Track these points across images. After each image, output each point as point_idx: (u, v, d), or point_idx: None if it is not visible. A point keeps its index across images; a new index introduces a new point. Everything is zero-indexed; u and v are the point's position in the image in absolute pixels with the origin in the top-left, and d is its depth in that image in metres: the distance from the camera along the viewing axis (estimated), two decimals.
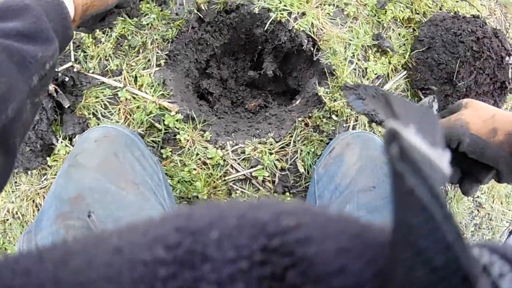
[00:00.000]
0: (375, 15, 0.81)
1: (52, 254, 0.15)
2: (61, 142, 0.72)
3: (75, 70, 0.71)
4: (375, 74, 0.78)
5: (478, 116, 0.40)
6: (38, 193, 0.74)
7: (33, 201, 0.75)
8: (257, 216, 0.14)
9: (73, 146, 0.71)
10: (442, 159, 0.13)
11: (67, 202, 0.45)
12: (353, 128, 0.73)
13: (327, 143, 0.70)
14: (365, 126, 0.74)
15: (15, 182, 0.77)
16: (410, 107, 0.16)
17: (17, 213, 0.77)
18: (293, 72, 0.79)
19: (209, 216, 0.15)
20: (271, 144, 0.68)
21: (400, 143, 0.12)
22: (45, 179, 0.74)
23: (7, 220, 0.78)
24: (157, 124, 0.66)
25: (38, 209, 0.75)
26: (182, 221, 0.15)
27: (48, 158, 0.73)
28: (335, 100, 0.72)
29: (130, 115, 0.69)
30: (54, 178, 0.74)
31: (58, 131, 0.72)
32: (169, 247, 0.14)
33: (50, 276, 0.13)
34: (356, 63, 0.77)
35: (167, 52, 0.70)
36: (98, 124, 0.68)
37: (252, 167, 0.67)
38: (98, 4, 0.53)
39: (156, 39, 0.70)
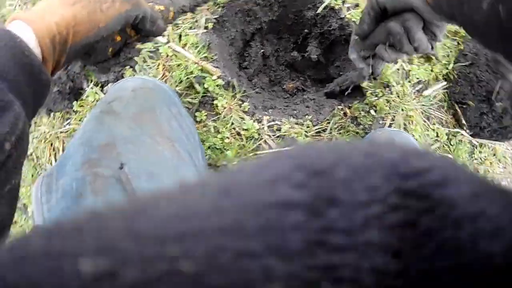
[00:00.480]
0: None
1: (122, 207, 0.12)
2: (92, 88, 0.69)
3: None
4: (417, 78, 0.77)
5: None
6: (58, 137, 0.72)
7: (51, 144, 0.72)
8: (386, 155, 0.12)
9: (104, 94, 0.69)
10: None
11: (97, 149, 0.41)
12: (389, 126, 0.72)
13: (362, 136, 0.69)
14: (400, 126, 0.73)
15: (35, 123, 0.74)
16: None
17: (31, 154, 0.74)
18: (336, 61, 0.78)
19: (332, 153, 0.13)
20: (307, 127, 0.66)
21: None
22: (67, 124, 0.72)
23: None
24: (196, 86, 0.65)
25: (56, 154, 0.72)
26: (302, 158, 0.13)
27: (75, 103, 0.70)
28: (376, 96, 0.71)
29: (169, 72, 0.67)
30: (78, 124, 0.71)
31: (90, 76, 0.70)
32: (296, 185, 0.11)
33: (124, 228, 0.11)
34: (401, 64, 0.76)
35: (217, 17, 0.69)
36: (134, 76, 0.66)
37: (286, 146, 0.65)
38: (84, 29, 0.37)
39: (208, 1, 0.69)
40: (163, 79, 0.66)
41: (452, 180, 0.12)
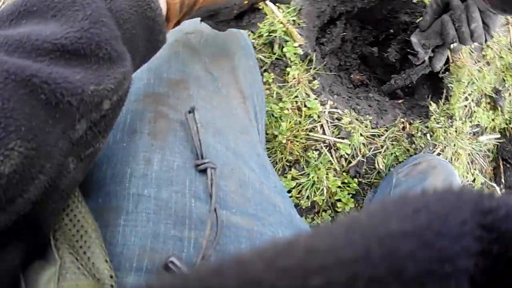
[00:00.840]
0: (504, 71, 0.79)
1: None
2: None
3: None
4: (478, 121, 0.76)
5: None
6: None
7: None
8: (470, 195, 0.15)
9: None
10: None
11: (165, 83, 0.36)
12: (438, 155, 0.71)
13: (411, 155, 0.68)
14: (446, 159, 0.72)
15: None
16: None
17: None
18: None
19: (430, 195, 0.15)
20: (366, 127, 0.64)
21: None
22: None
23: None
24: (275, 46, 0.61)
25: None
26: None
27: None
28: (438, 123, 0.69)
29: None
30: None
31: None
32: (406, 218, 0.14)
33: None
34: (470, 103, 0.74)
35: None
36: None
37: (340, 137, 0.63)
38: None
39: None
40: None
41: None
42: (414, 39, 0.58)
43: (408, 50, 0.73)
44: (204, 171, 0.32)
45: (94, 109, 0.22)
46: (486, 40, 0.51)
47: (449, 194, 0.15)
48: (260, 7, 0.40)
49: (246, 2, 0.39)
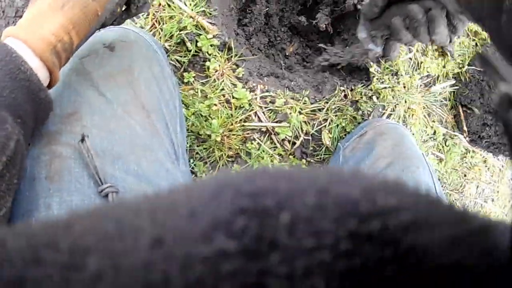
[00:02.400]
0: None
1: (55, 254, 0.11)
2: None
3: None
4: (428, 71, 0.72)
5: None
6: None
7: None
8: (344, 192, 0.11)
9: None
10: None
11: (58, 119, 0.36)
12: (388, 117, 0.68)
13: (359, 123, 0.65)
14: (399, 118, 0.69)
15: None
16: (505, 64, 0.13)
17: None
18: (343, 33, 0.72)
19: (280, 190, 0.12)
20: (304, 103, 0.61)
21: None
22: None
23: None
24: (188, 43, 0.58)
25: None
26: (246, 198, 0.11)
27: None
28: (382, 82, 0.66)
29: (159, 24, 0.59)
30: None
31: None
32: (234, 234, 0.11)
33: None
34: (414, 54, 0.71)
35: None
36: None
37: (277, 121, 0.60)
38: (85, 26, 0.33)
39: None
40: (151, 31, 0.59)
41: (424, 222, 0.10)
42: (363, 34, 0.49)
43: (337, 9, 0.69)
44: (106, 196, 0.33)
45: None
46: (450, 41, 0.45)
47: (310, 194, 0.12)
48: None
49: (119, 9, 0.38)
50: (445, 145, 0.77)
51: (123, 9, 0.39)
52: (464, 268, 0.10)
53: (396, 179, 0.13)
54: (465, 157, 0.79)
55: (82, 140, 0.34)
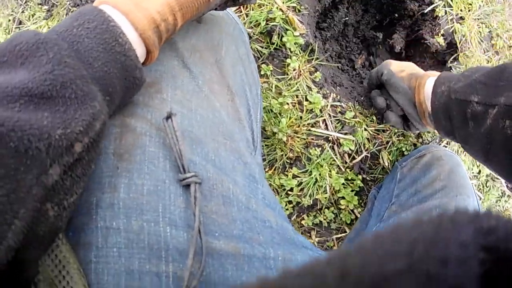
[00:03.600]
0: None
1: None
2: None
3: None
4: None
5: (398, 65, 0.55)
6: None
7: None
8: (467, 217, 0.14)
9: None
10: None
11: None
12: (445, 146, 0.68)
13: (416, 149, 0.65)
14: (453, 151, 0.70)
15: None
16: None
17: None
18: (413, 58, 0.71)
19: (430, 221, 0.15)
20: (371, 121, 0.61)
21: None
22: None
23: None
24: (275, 36, 0.56)
25: None
26: (415, 233, 0.14)
27: None
28: None
29: (246, 9, 0.58)
30: None
31: None
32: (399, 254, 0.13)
33: None
34: None
35: None
36: None
37: (344, 133, 0.59)
38: (192, 9, 0.31)
39: None
40: (236, 14, 0.57)
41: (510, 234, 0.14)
42: (372, 93, 0.58)
43: (414, 36, 0.69)
44: (187, 187, 0.29)
45: (65, 153, 0.21)
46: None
47: (445, 219, 0.14)
48: None
49: None
50: (485, 185, 0.77)
51: None
52: None
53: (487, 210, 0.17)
54: (499, 200, 0.80)
55: (168, 117, 0.29)
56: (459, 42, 0.68)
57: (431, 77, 0.48)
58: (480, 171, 0.76)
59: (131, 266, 0.25)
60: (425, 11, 0.65)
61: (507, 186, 0.78)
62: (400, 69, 0.53)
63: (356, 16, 0.70)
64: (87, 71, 0.23)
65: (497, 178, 0.78)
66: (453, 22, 0.67)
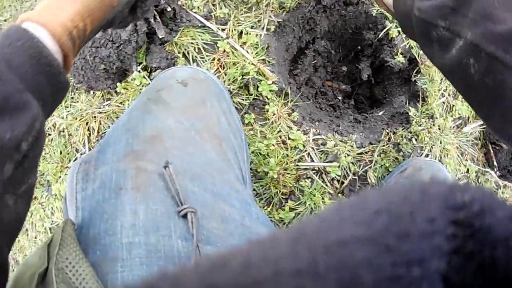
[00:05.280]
0: None
1: (234, 261, 0.12)
2: (140, 71, 0.67)
3: (179, 2, 0.67)
4: (459, 114, 0.78)
5: None
6: (95, 117, 0.70)
7: (87, 123, 0.70)
8: (438, 190, 0.14)
9: (151, 80, 0.67)
10: None
11: (142, 140, 0.39)
12: (426, 156, 0.73)
13: (400, 162, 0.69)
14: (436, 158, 0.74)
15: (72, 98, 0.72)
16: None
17: (63, 131, 0.71)
18: (382, 83, 0.78)
19: (389, 194, 0.14)
20: (351, 146, 0.66)
21: None
22: (107, 105, 0.70)
23: (50, 135, 0.73)
24: (251, 87, 0.63)
25: (90, 134, 0.70)
26: (362, 203, 0.14)
27: (118, 84, 0.68)
28: (420, 125, 0.72)
29: (224, 68, 0.65)
30: (118, 106, 0.69)
31: (140, 59, 0.68)
32: (360, 223, 0.13)
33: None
34: (447, 98, 0.76)
35: (280, 20, 0.67)
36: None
37: (328, 161, 0.65)
38: (99, 14, 0.36)
39: (273, 3, 0.67)
40: (216, 75, 0.65)
41: (488, 209, 0.13)
42: None
43: (378, 62, 0.75)
44: (185, 216, 0.36)
45: (14, 152, 0.26)
46: None
47: (414, 191, 0.14)
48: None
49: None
50: (478, 182, 0.81)
51: (130, 11, 0.42)
52: None
53: (466, 183, 0.17)
54: (496, 192, 0.84)
55: (166, 166, 0.37)
56: (418, 56, 0.74)
57: None
58: (468, 169, 0.80)
59: (151, 270, 0.32)
60: (380, 36, 0.72)
61: (496, 174, 0.82)
62: None
63: (323, 58, 0.78)
64: (21, 84, 0.28)
65: (487, 171, 0.82)
66: (407, 39, 0.74)
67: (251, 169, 0.64)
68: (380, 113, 0.74)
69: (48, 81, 0.31)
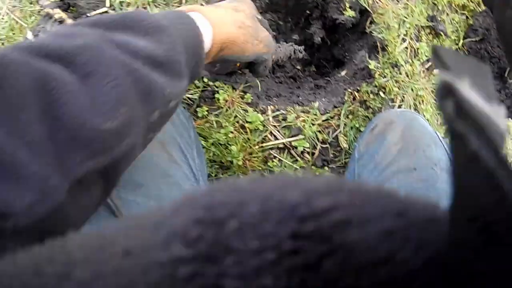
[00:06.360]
0: None
1: (53, 267, 0.13)
2: None
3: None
4: (426, 56, 0.73)
5: None
6: None
7: None
8: (285, 197, 0.12)
9: None
10: (498, 116, 0.11)
11: None
12: (399, 107, 0.69)
13: (370, 121, 0.66)
14: (410, 107, 0.70)
15: None
16: (459, 58, 0.14)
17: None
18: (339, 42, 0.74)
19: (230, 202, 0.13)
20: (314, 115, 0.63)
21: (456, 99, 0.10)
22: None
23: None
24: (196, 80, 0.61)
25: None
26: (201, 211, 0.13)
27: None
28: (384, 77, 0.68)
29: None
30: None
31: None
32: (189, 242, 0.12)
33: None
34: (409, 42, 0.72)
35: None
36: None
37: (292, 136, 0.62)
38: (235, 50, 0.42)
39: None
40: None
41: (356, 219, 0.11)
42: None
43: (328, 22, 0.72)
44: None
45: (165, 105, 0.31)
46: None
47: (255, 203, 0.13)
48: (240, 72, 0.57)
49: (238, 64, 0.54)
50: None
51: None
52: (397, 262, 0.11)
53: (338, 179, 0.14)
54: None
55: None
56: (368, 5, 0.70)
57: None
58: None
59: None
60: None
61: None
62: None
63: (273, 29, 0.74)
64: (184, 57, 0.32)
65: None
66: None
67: (215, 161, 0.62)
68: (343, 73, 0.71)
69: (193, 67, 0.35)
